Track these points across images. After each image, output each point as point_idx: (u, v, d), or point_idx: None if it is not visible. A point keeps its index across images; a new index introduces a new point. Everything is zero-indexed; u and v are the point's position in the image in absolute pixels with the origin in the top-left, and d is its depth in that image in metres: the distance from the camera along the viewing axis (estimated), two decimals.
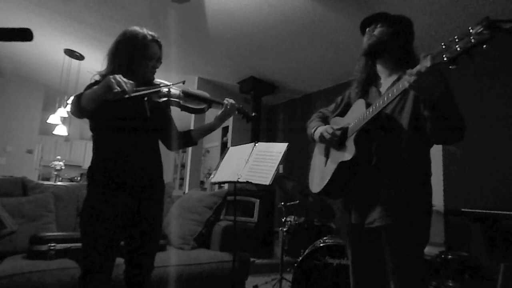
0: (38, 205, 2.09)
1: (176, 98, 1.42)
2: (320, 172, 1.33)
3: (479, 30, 0.74)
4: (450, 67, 0.82)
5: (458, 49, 0.78)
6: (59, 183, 3.53)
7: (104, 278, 1.25)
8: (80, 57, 4.56)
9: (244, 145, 2.01)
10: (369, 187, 1.15)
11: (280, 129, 5.45)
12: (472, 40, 0.75)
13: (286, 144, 1.82)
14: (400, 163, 1.11)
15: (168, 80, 1.48)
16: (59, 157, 5.91)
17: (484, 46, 0.75)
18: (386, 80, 1.26)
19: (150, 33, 1.35)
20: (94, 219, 1.26)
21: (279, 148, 1.81)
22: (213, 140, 6.30)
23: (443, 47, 0.82)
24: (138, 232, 1.35)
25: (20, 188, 2.20)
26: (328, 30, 3.15)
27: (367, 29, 1.29)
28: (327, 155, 1.33)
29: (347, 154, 1.15)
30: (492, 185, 2.71)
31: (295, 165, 4.72)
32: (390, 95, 1.02)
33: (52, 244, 1.78)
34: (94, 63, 4.73)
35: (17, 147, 5.78)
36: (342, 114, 1.37)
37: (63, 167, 5.15)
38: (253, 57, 3.99)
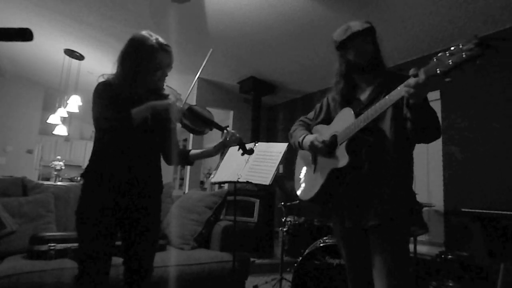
0: (38, 205, 2.09)
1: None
2: (309, 179, 1.36)
3: (470, 47, 0.81)
4: (445, 80, 0.88)
5: (451, 63, 0.84)
6: (59, 183, 3.53)
7: (100, 278, 1.25)
8: (80, 57, 4.56)
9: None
10: (362, 191, 1.20)
11: (280, 129, 5.44)
12: (464, 56, 0.82)
13: (286, 144, 1.82)
14: (389, 167, 1.17)
15: (167, 81, 1.46)
16: (59, 157, 5.91)
17: (477, 61, 0.82)
18: (365, 87, 1.30)
19: (159, 41, 1.32)
20: (88, 218, 1.26)
21: (279, 148, 1.81)
22: (213, 140, 6.30)
23: (435, 60, 0.88)
24: (135, 232, 1.35)
25: (20, 188, 2.19)
26: (328, 30, 3.12)
27: (357, 47, 1.27)
28: (314, 163, 1.36)
29: (340, 162, 1.18)
30: (492, 185, 2.71)
31: (295, 165, 4.72)
32: (383, 103, 1.08)
33: (52, 244, 1.78)
34: (94, 63, 4.73)
35: (17, 147, 5.78)
36: (324, 121, 1.41)
37: (63, 167, 5.15)
38: (253, 57, 3.99)
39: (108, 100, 1.26)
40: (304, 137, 1.37)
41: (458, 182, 2.96)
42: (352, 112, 1.20)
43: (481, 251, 2.44)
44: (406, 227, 1.20)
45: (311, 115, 1.52)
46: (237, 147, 1.49)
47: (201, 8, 3.02)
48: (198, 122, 1.40)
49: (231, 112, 5.28)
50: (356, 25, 1.24)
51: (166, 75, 1.38)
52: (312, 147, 1.29)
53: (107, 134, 1.32)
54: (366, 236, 1.20)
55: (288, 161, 4.81)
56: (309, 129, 1.47)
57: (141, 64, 1.29)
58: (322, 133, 1.34)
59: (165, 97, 1.38)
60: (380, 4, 2.68)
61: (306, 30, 3.20)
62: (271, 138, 5.44)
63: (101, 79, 1.35)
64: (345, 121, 1.22)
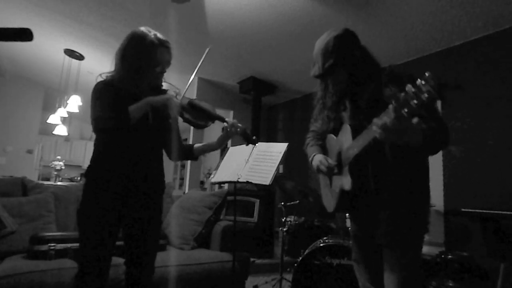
0: (38, 205, 2.09)
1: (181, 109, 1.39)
2: (329, 192, 1.36)
3: (428, 89, 0.76)
4: (412, 119, 0.83)
5: (415, 104, 0.79)
6: (59, 183, 3.54)
7: (99, 277, 1.25)
8: (80, 57, 4.56)
9: (244, 145, 2.00)
10: (371, 208, 1.19)
11: (280, 129, 5.45)
12: (424, 98, 0.77)
13: (286, 144, 1.82)
14: (396, 182, 1.14)
15: (168, 81, 1.47)
16: (59, 157, 5.91)
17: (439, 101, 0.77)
18: (362, 92, 1.22)
19: (158, 37, 1.32)
20: (89, 218, 1.27)
21: (279, 148, 1.81)
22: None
23: (403, 95, 0.82)
24: (137, 233, 1.35)
25: (20, 188, 2.19)
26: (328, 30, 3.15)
27: (329, 81, 1.25)
28: (330, 178, 1.35)
29: (346, 184, 1.16)
30: (492, 185, 2.71)
31: (295, 165, 4.72)
32: (363, 139, 1.04)
33: (52, 244, 1.78)
34: (94, 63, 4.73)
35: (17, 147, 5.78)
36: (334, 127, 1.34)
37: (63, 167, 5.15)
38: (253, 57, 3.99)
39: (107, 99, 1.26)
40: (313, 156, 1.35)
41: (458, 182, 2.96)
42: (350, 132, 1.16)
43: (481, 251, 2.44)
44: (417, 242, 1.16)
45: (319, 123, 1.46)
46: (237, 145, 1.48)
47: (201, 8, 3.02)
48: (200, 115, 1.40)
49: (231, 112, 5.28)
50: (315, 66, 1.18)
51: (165, 71, 1.38)
52: (319, 171, 1.29)
53: (108, 134, 1.32)
54: (376, 244, 1.19)
55: (288, 161, 4.81)
56: (322, 138, 1.43)
57: (142, 60, 1.29)
58: (333, 145, 1.33)
59: (165, 93, 1.38)
60: (380, 4, 2.68)
61: (306, 30, 3.20)
62: (271, 138, 5.44)
63: (100, 79, 1.34)
64: (345, 138, 1.20)
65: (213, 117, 1.42)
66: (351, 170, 1.15)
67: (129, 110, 1.23)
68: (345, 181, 1.16)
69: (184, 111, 1.37)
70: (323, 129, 1.39)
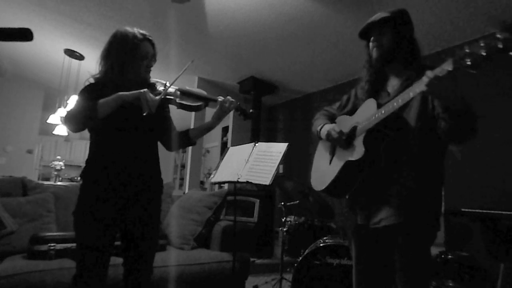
0: (38, 205, 2.09)
1: (172, 96, 1.41)
2: (325, 170, 1.32)
3: (508, 36, 0.74)
4: (471, 71, 0.81)
5: (484, 53, 0.77)
6: (59, 183, 3.53)
7: (97, 278, 1.24)
8: (80, 57, 4.56)
9: (244, 145, 2.01)
10: (376, 187, 1.15)
11: (280, 129, 5.44)
12: (500, 46, 0.75)
13: (286, 144, 1.82)
14: (408, 163, 1.10)
15: (167, 80, 1.47)
16: (59, 157, 5.91)
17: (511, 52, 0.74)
18: (394, 79, 1.24)
19: (141, 32, 1.34)
20: (86, 218, 1.26)
21: (279, 148, 1.81)
22: (213, 140, 6.30)
23: (467, 51, 0.80)
24: (135, 234, 1.34)
25: (20, 188, 2.20)
26: (328, 30, 3.15)
27: (372, 38, 1.26)
28: (332, 153, 1.32)
29: (356, 154, 1.14)
30: (492, 185, 2.71)
31: (295, 165, 4.72)
32: (405, 96, 1.01)
33: (52, 244, 1.78)
34: (94, 63, 4.67)
35: (17, 147, 5.78)
36: (349, 113, 1.34)
37: (63, 167, 5.14)
38: (253, 57, 3.98)
39: (83, 100, 1.26)
40: (323, 126, 1.33)
41: (458, 182, 2.95)
42: (375, 103, 1.15)
43: (481, 251, 2.44)
44: (427, 230, 1.11)
45: (336, 105, 1.48)
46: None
47: (201, 8, 3.02)
48: (192, 98, 1.46)
49: (231, 112, 5.26)
50: (374, 16, 1.21)
51: (151, 66, 1.39)
52: (329, 137, 1.26)
53: (100, 132, 1.31)
54: (379, 236, 1.14)
55: (288, 161, 4.81)
56: (332, 118, 1.42)
57: (127, 55, 1.30)
58: (344, 123, 1.30)
59: (153, 86, 1.39)
60: (380, 4, 2.67)
61: (307, 30, 3.20)
62: (271, 138, 5.44)
63: (87, 83, 1.35)
64: (367, 112, 1.17)
65: (205, 99, 1.48)
66: (366, 138, 1.11)
67: (98, 103, 1.21)
68: (356, 151, 1.13)
69: (176, 98, 1.40)
70: (338, 112, 1.40)
